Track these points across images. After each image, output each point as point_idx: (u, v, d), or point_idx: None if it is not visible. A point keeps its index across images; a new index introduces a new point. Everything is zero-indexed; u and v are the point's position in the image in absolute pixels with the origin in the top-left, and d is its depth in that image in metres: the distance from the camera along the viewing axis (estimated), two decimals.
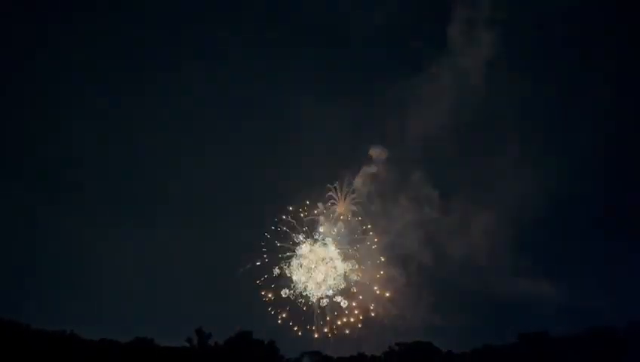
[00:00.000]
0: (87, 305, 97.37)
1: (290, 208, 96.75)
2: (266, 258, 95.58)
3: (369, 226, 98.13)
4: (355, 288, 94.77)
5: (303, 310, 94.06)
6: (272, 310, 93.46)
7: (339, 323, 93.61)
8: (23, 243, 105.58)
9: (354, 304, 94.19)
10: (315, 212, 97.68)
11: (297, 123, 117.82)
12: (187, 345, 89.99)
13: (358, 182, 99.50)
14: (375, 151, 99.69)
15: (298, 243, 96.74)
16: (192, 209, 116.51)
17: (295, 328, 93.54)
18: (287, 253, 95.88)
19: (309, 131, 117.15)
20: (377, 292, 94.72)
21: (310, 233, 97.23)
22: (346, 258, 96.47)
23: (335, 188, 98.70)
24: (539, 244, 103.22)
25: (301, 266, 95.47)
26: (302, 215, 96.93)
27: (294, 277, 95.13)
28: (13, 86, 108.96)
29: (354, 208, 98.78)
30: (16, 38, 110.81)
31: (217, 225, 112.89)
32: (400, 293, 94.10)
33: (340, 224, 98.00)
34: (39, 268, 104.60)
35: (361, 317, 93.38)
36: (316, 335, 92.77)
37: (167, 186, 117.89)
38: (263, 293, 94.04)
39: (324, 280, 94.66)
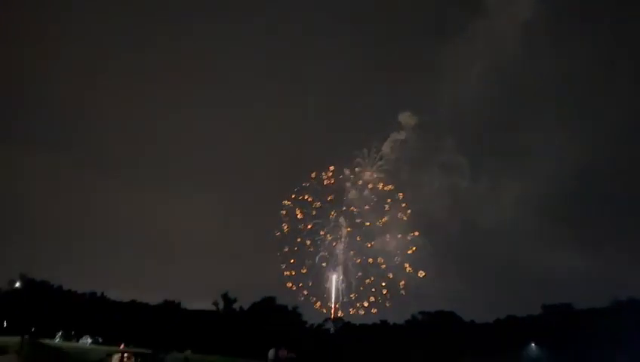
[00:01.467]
0: (118, 269, 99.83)
1: (313, 175, 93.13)
2: (285, 227, 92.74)
3: (400, 196, 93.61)
4: (381, 257, 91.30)
5: (327, 278, 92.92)
6: (293, 284, 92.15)
7: (362, 290, 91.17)
8: (57, 209, 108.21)
9: (379, 272, 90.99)
10: (341, 177, 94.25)
11: (324, 85, 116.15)
12: (213, 308, 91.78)
13: (386, 148, 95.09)
14: (404, 117, 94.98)
15: (323, 211, 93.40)
16: (218, 175, 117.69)
17: (317, 303, 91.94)
18: (314, 221, 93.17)
19: (336, 95, 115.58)
20: (403, 261, 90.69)
21: (336, 200, 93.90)
22: (372, 225, 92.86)
23: (362, 154, 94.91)
24: (568, 216, 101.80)
25: (328, 235, 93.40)
26: (326, 182, 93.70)
27: (320, 247, 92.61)
28: None
29: (381, 175, 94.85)
30: None
31: (244, 191, 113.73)
32: (426, 262, 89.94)
33: (367, 191, 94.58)
34: (73, 232, 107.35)
35: (384, 285, 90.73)
36: (339, 304, 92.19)
37: (192, 152, 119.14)
38: (284, 266, 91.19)
39: (350, 247, 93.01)
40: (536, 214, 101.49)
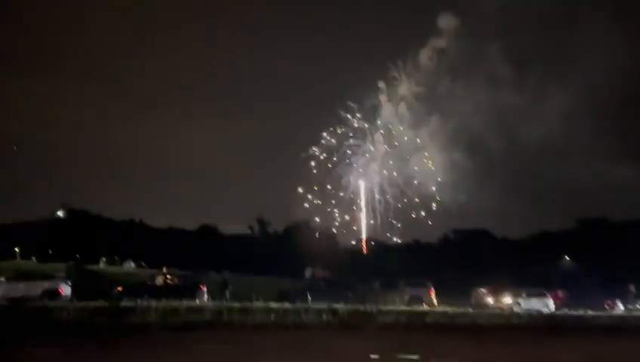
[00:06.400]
0: (153, 197, 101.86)
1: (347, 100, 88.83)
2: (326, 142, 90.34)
3: (439, 110, 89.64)
4: (418, 175, 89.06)
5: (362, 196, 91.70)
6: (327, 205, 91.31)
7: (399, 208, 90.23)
8: (93, 139, 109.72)
9: (415, 192, 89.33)
10: (379, 87, 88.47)
11: None
12: (249, 232, 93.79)
13: (424, 57, 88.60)
14: (444, 21, 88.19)
15: (358, 129, 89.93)
16: (251, 100, 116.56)
17: (349, 218, 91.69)
18: (350, 141, 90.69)
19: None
20: (441, 179, 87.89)
21: (371, 117, 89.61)
22: (409, 142, 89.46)
23: (398, 66, 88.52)
24: (620, 126, 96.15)
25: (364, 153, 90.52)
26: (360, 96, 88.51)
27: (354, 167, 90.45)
28: None
29: (419, 88, 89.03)
30: None
31: (277, 112, 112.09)
32: (465, 180, 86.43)
33: (403, 105, 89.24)
34: (109, 161, 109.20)
35: (420, 204, 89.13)
36: (372, 222, 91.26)
37: (223, 79, 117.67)
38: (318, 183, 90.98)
39: (385, 166, 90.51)
40: (588, 125, 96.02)
